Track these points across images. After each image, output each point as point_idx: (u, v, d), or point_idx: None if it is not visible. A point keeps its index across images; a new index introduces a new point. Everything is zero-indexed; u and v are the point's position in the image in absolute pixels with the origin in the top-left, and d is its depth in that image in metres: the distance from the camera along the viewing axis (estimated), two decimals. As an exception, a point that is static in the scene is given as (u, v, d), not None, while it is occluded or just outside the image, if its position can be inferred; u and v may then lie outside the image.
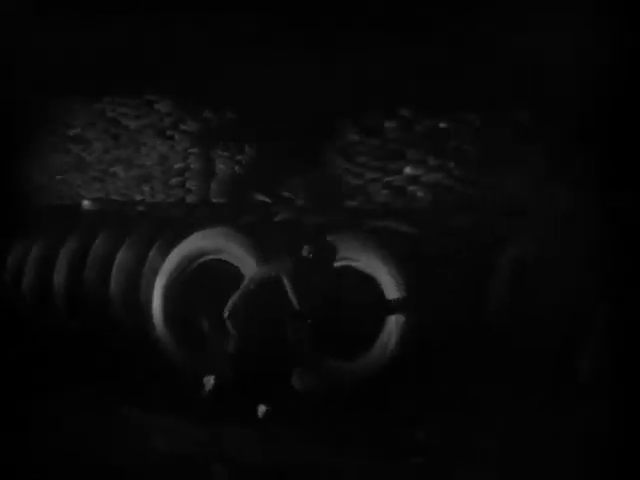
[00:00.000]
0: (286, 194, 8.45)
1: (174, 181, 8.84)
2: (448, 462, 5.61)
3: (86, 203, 9.11)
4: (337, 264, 7.04)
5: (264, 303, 6.52)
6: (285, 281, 6.47)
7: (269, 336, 6.49)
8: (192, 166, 8.75)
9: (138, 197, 8.98)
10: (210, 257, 7.64)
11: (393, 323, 6.85)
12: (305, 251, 6.67)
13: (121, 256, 8.09)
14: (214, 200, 8.70)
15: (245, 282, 6.74)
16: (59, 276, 8.37)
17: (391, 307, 6.85)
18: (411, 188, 7.96)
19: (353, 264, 7.11)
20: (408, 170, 7.97)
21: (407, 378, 6.66)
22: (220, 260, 7.56)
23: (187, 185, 8.81)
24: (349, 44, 8.15)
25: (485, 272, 6.87)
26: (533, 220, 7.18)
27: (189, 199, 8.77)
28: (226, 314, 6.57)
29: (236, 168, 8.64)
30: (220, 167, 8.68)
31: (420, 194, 7.94)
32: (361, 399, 6.62)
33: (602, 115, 7.20)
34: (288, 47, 8.30)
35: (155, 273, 7.77)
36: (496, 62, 7.54)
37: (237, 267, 7.37)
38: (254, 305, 6.53)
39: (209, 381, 6.69)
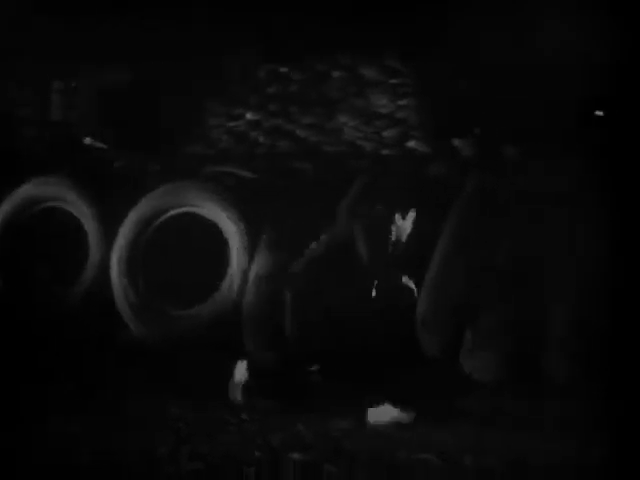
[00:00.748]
0: (124, 140, 8.28)
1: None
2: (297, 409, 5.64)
3: None
4: (178, 211, 7.01)
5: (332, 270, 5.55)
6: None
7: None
8: (23, 111, 8.43)
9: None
10: (45, 205, 7.44)
11: (235, 269, 6.84)
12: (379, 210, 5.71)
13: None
14: (48, 146, 8.42)
15: (311, 246, 5.85)
16: None
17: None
18: (252, 133, 7.95)
19: (194, 210, 7.06)
20: (249, 116, 7.96)
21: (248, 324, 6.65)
22: (56, 208, 7.38)
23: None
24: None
25: (326, 217, 6.90)
26: (375, 165, 7.26)
27: (21, 145, 8.45)
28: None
29: (71, 113, 8.39)
30: (55, 112, 8.40)
31: (261, 139, 7.94)
32: (204, 345, 6.60)
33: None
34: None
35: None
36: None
37: (71, 212, 7.23)
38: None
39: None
